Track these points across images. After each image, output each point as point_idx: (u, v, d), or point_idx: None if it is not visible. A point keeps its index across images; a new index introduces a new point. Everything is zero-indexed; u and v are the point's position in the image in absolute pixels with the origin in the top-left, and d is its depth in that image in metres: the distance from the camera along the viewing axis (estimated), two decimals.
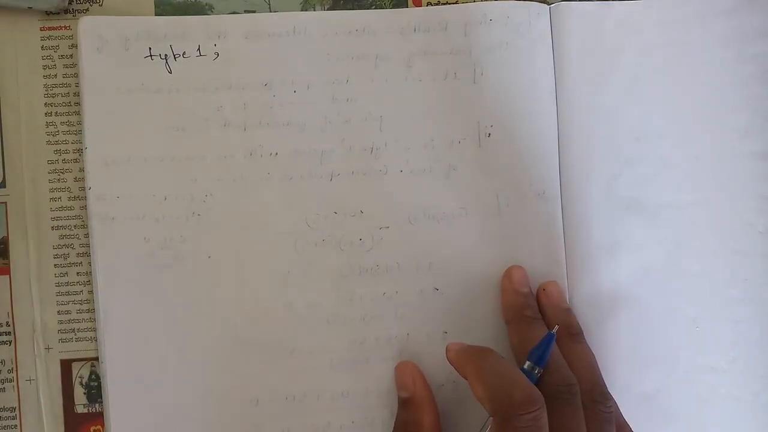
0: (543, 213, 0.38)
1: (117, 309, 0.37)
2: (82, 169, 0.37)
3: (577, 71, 0.38)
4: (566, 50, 0.38)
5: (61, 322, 0.37)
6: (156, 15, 0.38)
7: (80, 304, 0.38)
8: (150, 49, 0.37)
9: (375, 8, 0.39)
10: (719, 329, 0.39)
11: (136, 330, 0.37)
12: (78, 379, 0.38)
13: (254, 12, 0.38)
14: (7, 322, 0.37)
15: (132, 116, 0.37)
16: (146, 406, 0.37)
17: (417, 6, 0.39)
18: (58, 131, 0.38)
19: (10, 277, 0.37)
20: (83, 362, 0.38)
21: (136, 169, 0.37)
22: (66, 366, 0.38)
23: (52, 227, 0.38)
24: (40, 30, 0.38)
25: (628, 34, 0.38)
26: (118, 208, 0.37)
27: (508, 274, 0.37)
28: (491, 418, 0.30)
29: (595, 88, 0.38)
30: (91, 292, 0.37)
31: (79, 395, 0.38)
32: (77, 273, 0.38)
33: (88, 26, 0.37)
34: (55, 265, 0.38)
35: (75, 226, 0.38)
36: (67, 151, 0.38)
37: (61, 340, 0.38)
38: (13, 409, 0.37)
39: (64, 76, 0.38)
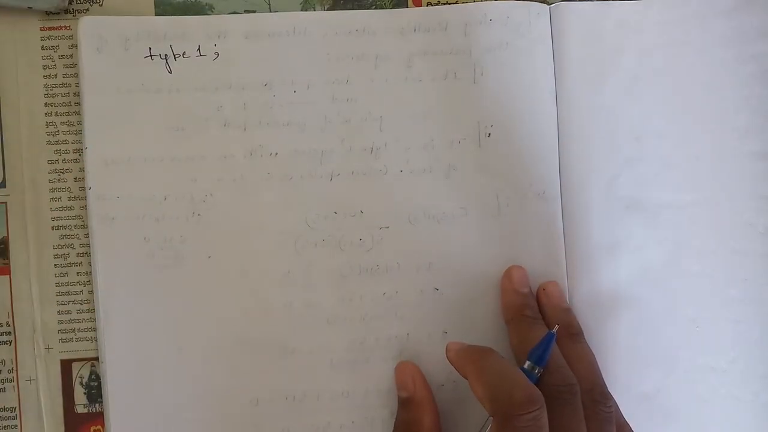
0: (543, 213, 0.38)
1: (117, 309, 0.37)
2: (82, 169, 0.37)
3: (577, 71, 0.38)
4: (566, 50, 0.38)
5: (61, 322, 0.37)
6: (156, 15, 0.38)
7: (80, 304, 0.38)
8: (150, 49, 0.37)
9: (375, 8, 0.39)
10: (719, 329, 0.39)
11: (136, 330, 0.37)
12: (78, 379, 0.38)
13: (254, 12, 0.38)
14: (7, 322, 0.37)
15: (132, 116, 0.37)
16: (146, 406, 0.37)
17: (417, 6, 0.39)
18: (58, 131, 0.38)
19: (10, 277, 0.37)
20: (83, 362, 0.38)
21: (136, 169, 0.37)
22: (66, 366, 0.38)
23: (52, 227, 0.38)
24: (40, 30, 0.38)
25: (628, 34, 0.38)
26: (118, 208, 0.37)
27: (508, 274, 0.37)
28: (491, 418, 0.31)
29: (595, 88, 0.38)
30: (91, 292, 0.37)
31: (79, 395, 0.38)
32: (77, 273, 0.38)
33: (88, 26, 0.37)
34: (55, 265, 0.38)
35: (75, 226, 0.38)
36: (67, 151, 0.38)
37: (61, 340, 0.38)
38: (13, 409, 0.37)
39: (64, 76, 0.38)
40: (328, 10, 0.39)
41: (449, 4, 0.39)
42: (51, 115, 0.38)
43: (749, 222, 0.39)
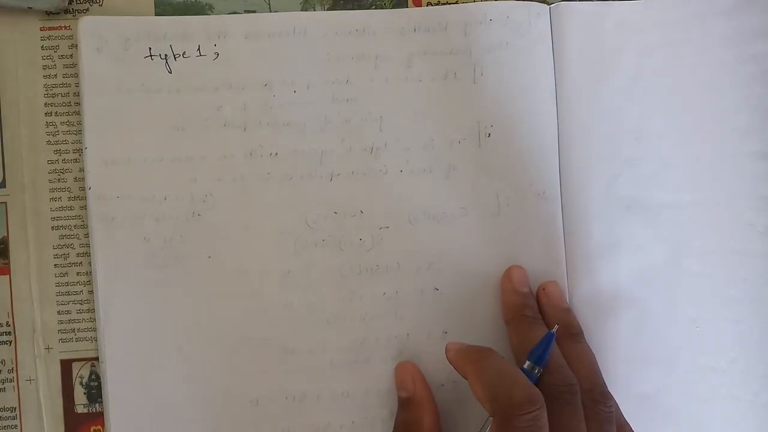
0: (543, 213, 0.38)
1: (117, 309, 0.37)
2: (82, 169, 0.37)
3: (577, 71, 0.38)
4: (566, 50, 0.38)
5: (61, 322, 0.37)
6: (156, 15, 0.38)
7: (80, 304, 0.38)
8: (150, 49, 0.37)
9: (375, 8, 0.39)
10: (719, 329, 0.39)
11: (136, 330, 0.37)
12: (78, 379, 0.38)
13: (254, 12, 0.38)
14: (7, 322, 0.37)
15: (132, 116, 0.37)
16: (146, 407, 0.37)
17: (417, 6, 0.39)
18: (58, 131, 0.38)
19: (10, 277, 0.37)
20: (83, 362, 0.38)
21: (136, 169, 0.37)
22: (66, 366, 0.38)
23: (52, 227, 0.38)
24: (40, 30, 0.38)
25: (628, 34, 0.38)
26: (118, 208, 0.37)
27: (508, 274, 0.37)
28: (491, 418, 0.31)
29: (595, 88, 0.38)
30: (91, 292, 0.37)
31: (79, 395, 0.38)
32: (77, 273, 0.38)
33: (88, 26, 0.37)
34: (55, 265, 0.38)
35: (75, 226, 0.38)
36: (67, 151, 0.38)
37: (61, 340, 0.38)
38: (13, 409, 0.37)
39: (64, 76, 0.38)
40: (328, 10, 0.39)
41: (449, 4, 0.39)
42: (51, 115, 0.38)
43: (749, 222, 0.39)
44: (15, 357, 0.37)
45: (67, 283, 0.38)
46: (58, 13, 0.38)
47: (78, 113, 0.38)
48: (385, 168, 0.38)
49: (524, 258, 0.38)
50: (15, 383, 0.37)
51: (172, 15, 0.38)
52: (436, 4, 0.39)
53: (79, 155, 0.38)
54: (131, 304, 0.37)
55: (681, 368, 0.39)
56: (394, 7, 0.39)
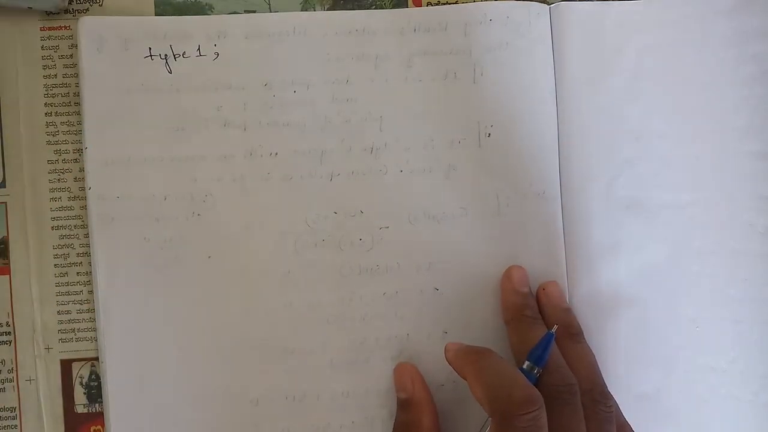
0: (543, 213, 0.38)
1: (117, 309, 0.37)
2: (82, 169, 0.37)
3: (577, 71, 0.38)
4: (566, 50, 0.38)
5: (61, 322, 0.38)
6: (156, 15, 0.38)
7: (80, 304, 0.38)
8: (150, 49, 0.37)
9: (375, 8, 0.39)
10: (719, 329, 0.39)
11: (136, 330, 0.37)
12: (78, 379, 0.38)
13: (254, 12, 0.38)
14: (7, 322, 0.37)
15: (132, 116, 0.37)
16: (146, 406, 0.37)
17: (417, 6, 0.39)
18: (58, 131, 0.38)
19: (10, 277, 0.37)
20: (83, 362, 0.38)
21: (136, 169, 0.37)
22: (66, 366, 0.38)
23: (52, 227, 0.38)
24: (40, 30, 0.38)
25: (628, 34, 0.38)
26: (118, 208, 0.37)
27: (507, 274, 0.37)
28: (490, 418, 0.30)
29: (595, 88, 0.38)
30: (91, 292, 0.37)
31: (79, 395, 0.38)
32: (77, 273, 0.38)
33: (88, 26, 0.37)
34: (55, 265, 0.38)
35: (75, 226, 0.38)
36: (67, 151, 0.38)
37: (61, 340, 0.38)
38: (13, 409, 0.37)
39: (64, 76, 0.38)
40: (328, 10, 0.39)
41: (449, 4, 0.39)
42: (51, 115, 0.38)
43: (749, 222, 0.39)
44: (15, 357, 0.37)
45: (67, 283, 0.38)
46: (58, 13, 0.38)
47: (78, 113, 0.38)
48: (385, 168, 0.38)
49: (524, 258, 0.38)
50: (15, 383, 0.37)
51: (172, 15, 0.38)
52: (436, 4, 0.39)
53: (79, 155, 0.38)
54: (131, 304, 0.37)
55: (681, 368, 0.39)
56: (394, 7, 0.39)
